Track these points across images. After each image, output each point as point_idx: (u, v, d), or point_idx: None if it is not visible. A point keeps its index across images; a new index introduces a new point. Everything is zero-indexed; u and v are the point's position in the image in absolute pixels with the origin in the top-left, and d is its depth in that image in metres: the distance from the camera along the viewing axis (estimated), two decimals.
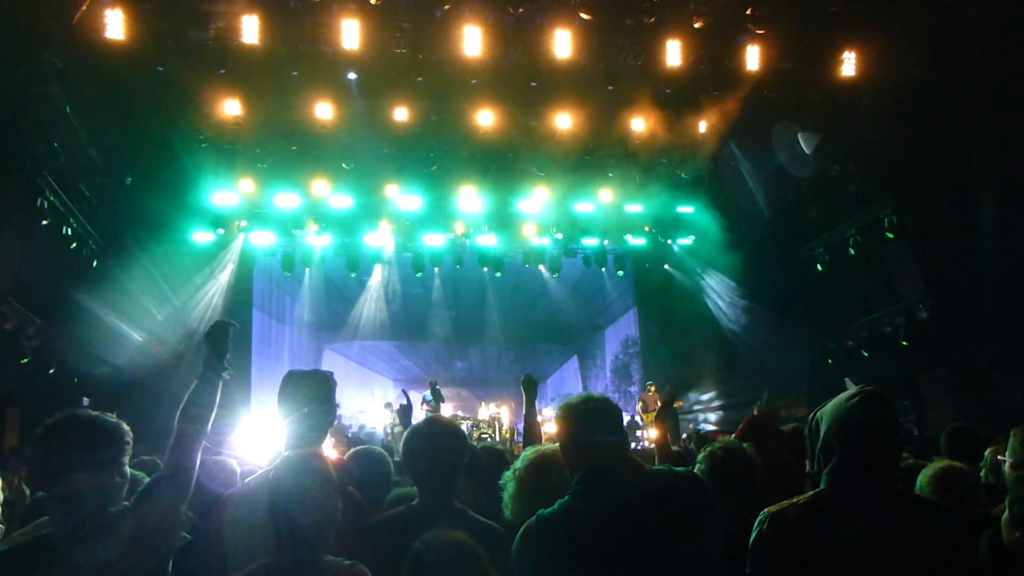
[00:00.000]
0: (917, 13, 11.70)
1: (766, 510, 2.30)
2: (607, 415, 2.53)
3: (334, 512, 2.54)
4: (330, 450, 4.86)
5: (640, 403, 16.37)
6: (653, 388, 16.41)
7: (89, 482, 2.42)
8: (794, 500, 2.30)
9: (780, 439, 4.09)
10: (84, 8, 10.97)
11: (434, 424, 3.04)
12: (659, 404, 15.27)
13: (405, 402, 4.72)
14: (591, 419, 2.50)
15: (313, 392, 3.14)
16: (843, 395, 2.30)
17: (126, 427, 2.56)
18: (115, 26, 11.09)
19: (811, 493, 2.29)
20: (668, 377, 17.12)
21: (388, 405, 17.04)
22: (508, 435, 16.37)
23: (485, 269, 19.33)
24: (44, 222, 12.60)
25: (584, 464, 2.45)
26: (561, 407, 2.59)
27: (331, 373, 3.25)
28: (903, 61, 12.47)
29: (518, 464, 3.15)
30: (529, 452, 3.21)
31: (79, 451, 2.44)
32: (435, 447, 2.91)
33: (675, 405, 16.25)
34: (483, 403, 18.41)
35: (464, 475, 3.03)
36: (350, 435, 16.38)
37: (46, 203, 12.53)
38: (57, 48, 11.21)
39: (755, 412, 4.51)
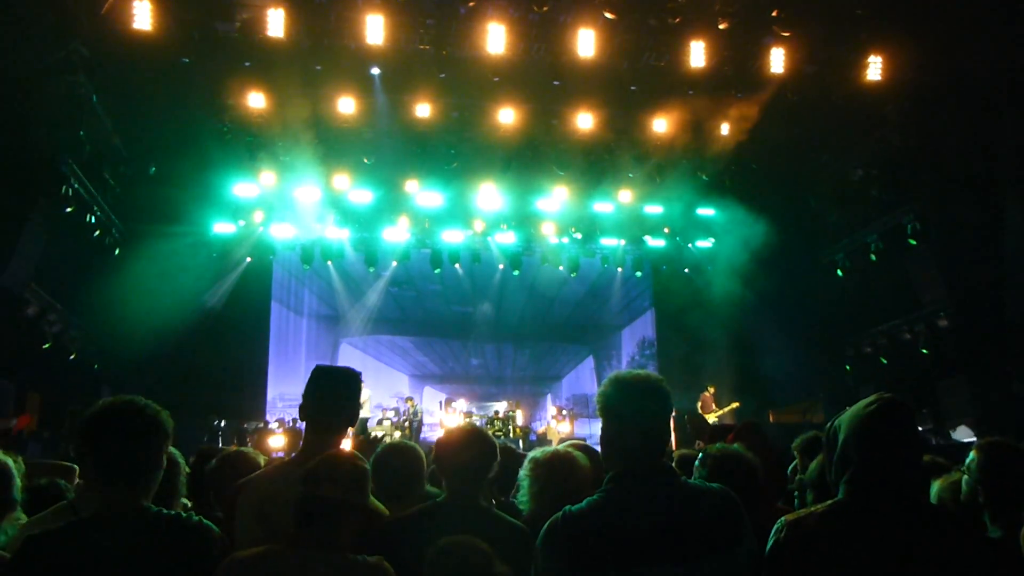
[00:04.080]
0: (943, 18, 11.59)
1: (783, 518, 2.29)
2: (650, 407, 2.43)
3: (363, 513, 2.56)
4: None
5: (699, 403, 16.31)
6: (712, 390, 16.32)
7: (132, 471, 2.45)
8: (812, 509, 2.29)
9: (767, 444, 4.09)
10: None
11: (469, 428, 3.13)
12: (714, 407, 15.32)
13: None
14: (630, 414, 2.43)
15: (340, 390, 3.19)
16: (861, 403, 2.28)
17: (168, 418, 2.57)
18: (142, 17, 11.19)
19: (829, 502, 2.26)
20: (684, 379, 17.03)
21: (410, 399, 17.27)
22: (521, 434, 16.39)
23: (501, 267, 19.35)
24: (68, 209, 12.74)
25: (617, 463, 2.44)
26: (600, 393, 2.50)
27: (359, 373, 3.28)
28: (929, 66, 12.36)
29: (529, 464, 3.20)
30: (537, 453, 3.25)
31: (125, 439, 2.45)
32: (467, 450, 2.95)
33: (733, 406, 16.23)
34: (498, 400, 18.51)
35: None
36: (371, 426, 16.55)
37: (70, 191, 12.67)
38: (85, 38, 11.35)
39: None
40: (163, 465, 2.54)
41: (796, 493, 4.33)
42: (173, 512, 2.50)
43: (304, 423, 3.19)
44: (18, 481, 3.00)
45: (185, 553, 2.41)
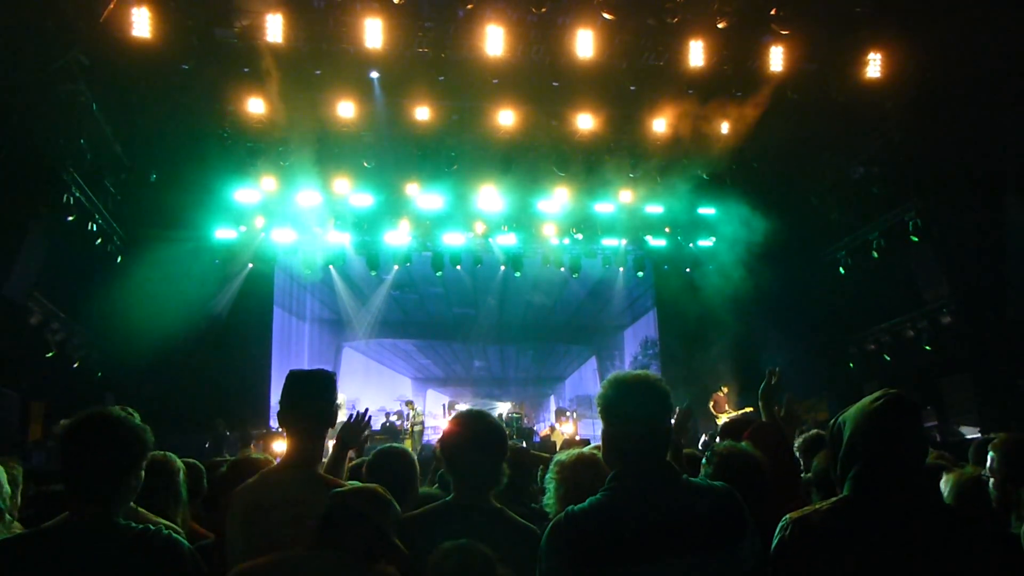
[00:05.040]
0: (943, 15, 11.57)
1: (788, 516, 2.28)
2: (649, 406, 2.44)
3: (378, 531, 2.54)
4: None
5: (712, 403, 16.30)
6: (727, 390, 16.28)
7: (100, 484, 2.44)
8: (816, 506, 2.28)
9: (783, 443, 4.06)
10: (111, 6, 11.09)
11: (477, 419, 3.04)
12: (727, 408, 15.27)
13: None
14: (630, 413, 2.44)
15: (314, 393, 3.16)
16: (866, 399, 2.28)
17: (146, 431, 2.56)
18: (141, 24, 11.21)
19: (834, 499, 2.26)
20: (688, 379, 17.01)
21: (410, 402, 17.27)
22: (523, 437, 16.36)
23: (503, 268, 19.37)
24: (70, 218, 12.76)
25: (619, 463, 2.44)
26: (600, 394, 2.51)
27: (333, 373, 3.25)
28: (929, 63, 12.35)
29: (555, 467, 3.20)
30: (563, 456, 3.25)
31: (94, 453, 2.45)
32: (476, 442, 2.91)
33: (746, 411, 16.19)
34: (502, 401, 18.51)
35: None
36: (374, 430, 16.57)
37: (72, 199, 12.69)
38: (85, 46, 11.35)
39: (780, 414, 4.42)
40: (135, 479, 2.52)
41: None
42: (140, 526, 2.47)
43: (284, 429, 3.18)
44: (7, 488, 2.99)
45: (147, 568, 2.39)
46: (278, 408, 3.16)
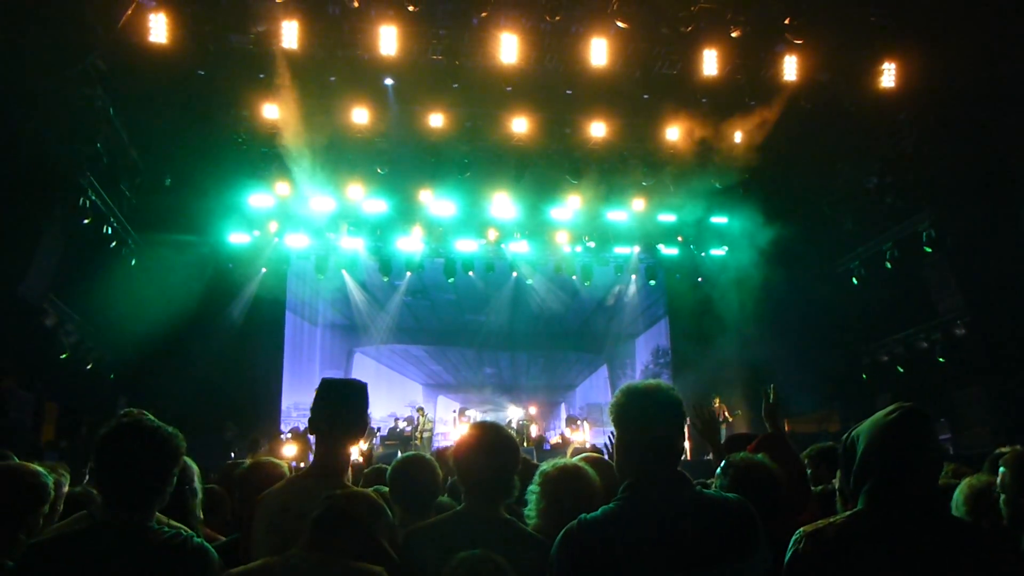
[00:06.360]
0: (958, 25, 11.53)
1: (801, 529, 2.26)
2: (662, 415, 2.43)
3: (368, 536, 2.58)
4: (356, 455, 4.88)
5: None
6: (718, 401, 16.26)
7: (137, 491, 2.50)
8: (831, 519, 2.26)
9: (792, 455, 4.03)
10: (129, 12, 11.20)
11: (490, 431, 3.04)
12: (726, 415, 15.23)
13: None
14: (643, 422, 2.43)
15: (348, 402, 3.17)
16: (881, 412, 2.26)
17: (181, 440, 2.62)
18: (158, 30, 11.32)
19: (848, 513, 2.25)
20: (699, 388, 16.94)
21: (421, 409, 17.29)
22: (534, 445, 16.35)
23: (515, 275, 19.37)
24: (85, 220, 12.85)
25: (632, 472, 2.43)
26: (613, 403, 2.50)
27: (366, 384, 3.27)
28: (943, 73, 12.29)
29: (538, 478, 3.17)
30: (547, 466, 3.20)
31: (131, 460, 2.50)
32: (489, 453, 2.91)
33: (737, 414, 16.13)
34: (512, 406, 18.52)
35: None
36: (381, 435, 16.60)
37: (87, 202, 12.78)
38: (102, 51, 11.47)
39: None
40: (169, 485, 2.58)
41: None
42: (172, 531, 2.53)
43: (314, 436, 3.20)
44: (52, 493, 3.04)
45: (179, 573, 2.44)
46: (310, 415, 3.18)
